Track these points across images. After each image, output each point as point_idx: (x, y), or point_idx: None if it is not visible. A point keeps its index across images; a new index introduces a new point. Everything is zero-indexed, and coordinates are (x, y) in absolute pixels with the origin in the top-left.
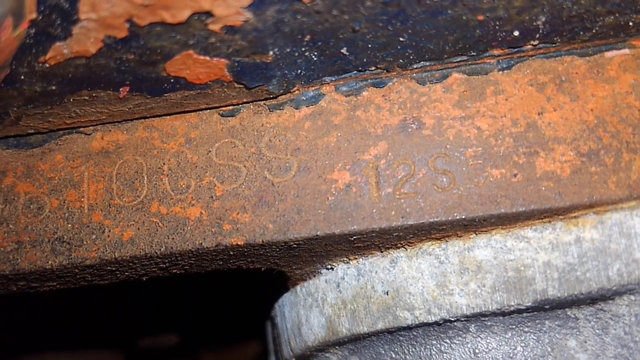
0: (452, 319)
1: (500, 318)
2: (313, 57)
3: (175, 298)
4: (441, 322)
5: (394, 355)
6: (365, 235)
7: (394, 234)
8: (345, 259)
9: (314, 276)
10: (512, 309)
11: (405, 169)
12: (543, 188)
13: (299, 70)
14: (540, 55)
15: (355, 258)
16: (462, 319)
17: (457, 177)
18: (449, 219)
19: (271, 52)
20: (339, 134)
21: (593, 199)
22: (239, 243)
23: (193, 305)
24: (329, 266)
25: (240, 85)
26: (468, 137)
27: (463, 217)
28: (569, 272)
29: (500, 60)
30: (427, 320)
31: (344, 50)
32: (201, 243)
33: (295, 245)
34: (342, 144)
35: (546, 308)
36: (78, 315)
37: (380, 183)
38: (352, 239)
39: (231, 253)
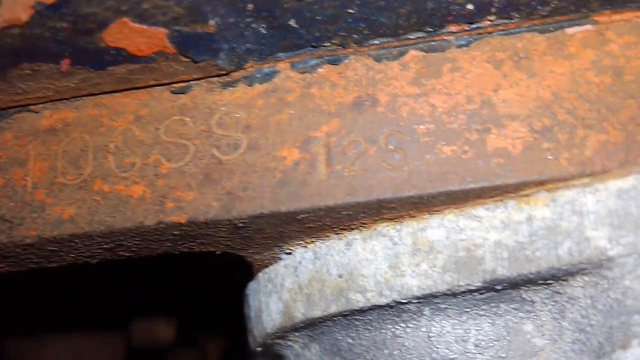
0: (404, 301)
1: (454, 300)
2: (261, 29)
3: (177, 287)
4: (393, 304)
5: (350, 341)
6: (313, 214)
7: (344, 213)
8: (302, 242)
9: (275, 262)
10: (462, 289)
11: (356, 146)
12: (493, 164)
13: (249, 45)
14: (499, 32)
15: (312, 241)
16: (415, 301)
17: (408, 154)
18: (398, 196)
19: (212, 22)
20: (292, 112)
21: (544, 176)
22: (181, 221)
23: (195, 293)
24: (288, 251)
25: (187, 59)
26: (422, 114)
27: (412, 194)
28: (519, 251)
29: (459, 37)
30: (378, 303)
31: (292, 23)
32: (142, 221)
33: (242, 225)
34: (294, 122)
35: (498, 289)
36: (80, 302)
37: (330, 160)
38: (300, 217)
39: (175, 233)
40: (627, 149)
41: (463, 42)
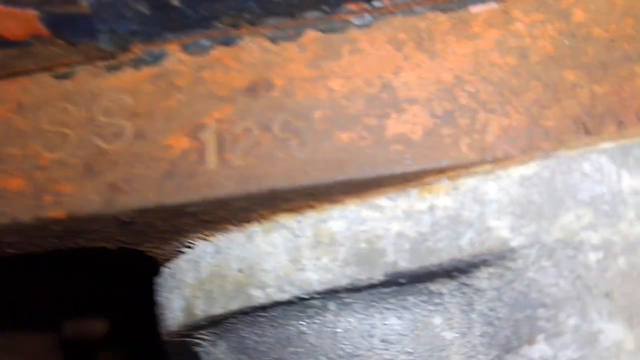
0: (305, 296)
1: (360, 295)
2: (142, 9)
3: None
4: (294, 300)
5: (255, 338)
6: (203, 207)
7: (237, 205)
8: (202, 235)
9: (177, 256)
10: (363, 283)
11: (249, 133)
12: (392, 151)
13: (132, 26)
14: (401, 12)
15: (213, 234)
16: (318, 297)
17: (303, 142)
18: (292, 186)
19: (85, 2)
20: (182, 97)
21: (443, 163)
22: (59, 216)
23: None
24: (189, 244)
25: (64, 42)
26: (319, 99)
27: (306, 184)
28: (421, 243)
29: (359, 17)
30: (279, 299)
31: (175, 2)
32: (18, 217)
33: (127, 220)
34: (184, 108)
35: (402, 282)
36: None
37: (221, 149)
38: (190, 210)
39: (56, 229)
40: (529, 133)
41: (364, 22)
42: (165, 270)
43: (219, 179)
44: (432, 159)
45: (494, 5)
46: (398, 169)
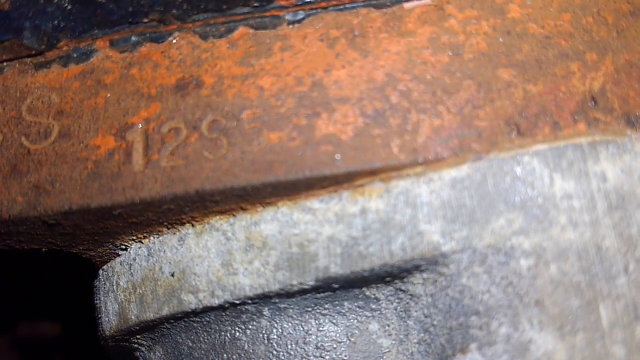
0: (237, 302)
1: (294, 300)
2: (65, 4)
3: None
4: (226, 305)
5: (190, 344)
6: (129, 209)
7: (165, 207)
8: (135, 237)
9: (112, 258)
10: (295, 288)
11: (177, 133)
12: (321, 152)
13: (57, 22)
14: (334, 8)
15: (146, 236)
16: (250, 302)
17: (232, 142)
18: (219, 187)
19: None
20: (109, 95)
21: (374, 164)
22: None
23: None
24: (123, 246)
25: None
26: (248, 98)
27: (234, 185)
28: (352, 247)
29: (291, 13)
30: (210, 304)
31: None
32: None
33: (53, 222)
34: (111, 106)
35: (335, 287)
36: None
37: (147, 149)
38: (116, 213)
39: None
40: (461, 134)
41: (296, 18)
42: (101, 273)
43: (144, 180)
44: (361, 160)
45: (428, 1)
46: (327, 171)
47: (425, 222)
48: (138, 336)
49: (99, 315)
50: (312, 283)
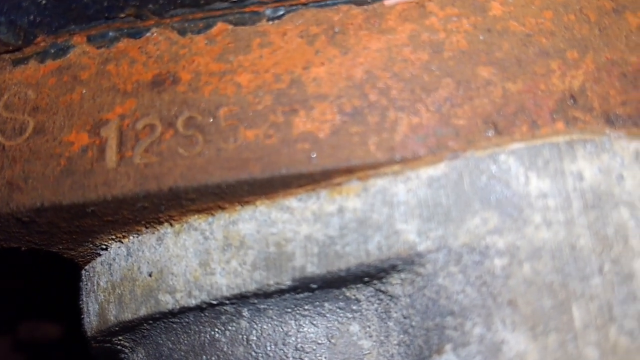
0: (214, 302)
1: (273, 300)
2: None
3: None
4: (204, 305)
5: (170, 345)
6: (102, 206)
7: (139, 205)
8: (114, 237)
9: (94, 258)
10: (272, 288)
11: (152, 130)
12: (298, 150)
13: (32, 17)
14: (314, 4)
15: (125, 236)
16: (228, 302)
17: (207, 139)
18: (193, 185)
19: None
20: (85, 91)
21: (351, 162)
22: None
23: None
24: (104, 246)
25: None
26: (225, 95)
27: (207, 183)
28: (329, 246)
29: (271, 9)
30: (188, 304)
31: None
32: None
33: (27, 219)
34: (87, 102)
35: (314, 288)
36: None
37: (121, 146)
38: (90, 210)
39: None
40: (439, 133)
41: (276, 15)
42: (84, 273)
43: (117, 177)
44: (338, 158)
45: None
46: (304, 169)
47: (401, 221)
48: (120, 337)
49: (82, 316)
50: (289, 283)
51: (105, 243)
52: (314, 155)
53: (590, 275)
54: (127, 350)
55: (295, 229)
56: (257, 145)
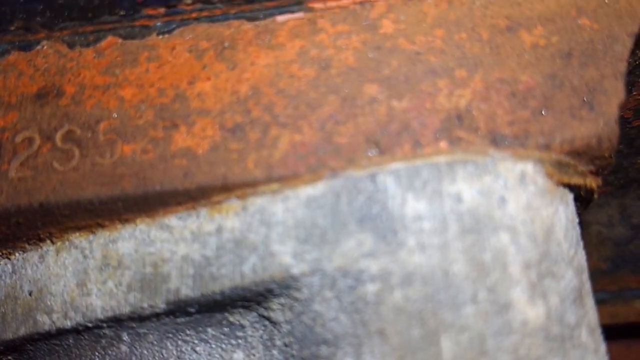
0: (89, 324)
1: (153, 324)
2: None
3: None
4: (80, 328)
5: None
6: None
7: (12, 220)
8: (1, 253)
9: None
10: (147, 312)
11: (30, 143)
12: (175, 166)
13: None
14: (205, 19)
15: (11, 252)
16: (105, 325)
17: (84, 153)
18: (64, 201)
19: None
20: None
21: (227, 180)
22: None
23: None
24: None
25: None
26: (107, 108)
27: (79, 199)
28: (205, 268)
29: (162, 23)
30: (64, 326)
31: None
32: None
33: None
34: None
35: (191, 311)
36: None
37: None
38: None
39: None
40: (320, 150)
41: (167, 29)
42: None
43: None
44: (214, 175)
45: (301, 15)
46: (179, 185)
47: (278, 242)
48: (9, 357)
49: None
50: (163, 306)
51: None
52: (190, 172)
53: (462, 304)
54: None
55: (173, 248)
56: (133, 160)
